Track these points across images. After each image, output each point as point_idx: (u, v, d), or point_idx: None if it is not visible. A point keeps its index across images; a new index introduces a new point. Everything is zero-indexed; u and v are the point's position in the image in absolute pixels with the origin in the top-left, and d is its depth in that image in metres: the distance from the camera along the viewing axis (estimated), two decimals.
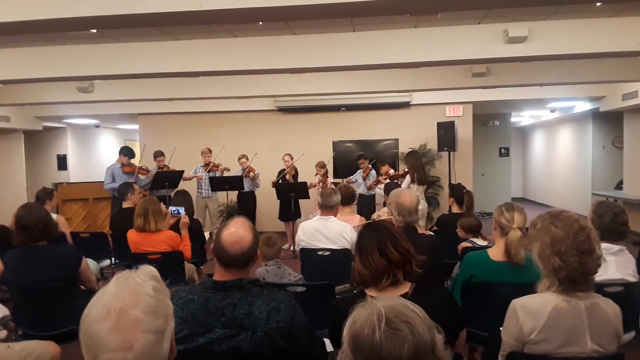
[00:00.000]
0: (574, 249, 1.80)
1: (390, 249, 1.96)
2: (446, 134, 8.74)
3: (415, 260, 2.01)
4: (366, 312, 1.10)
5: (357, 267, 2.00)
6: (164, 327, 1.13)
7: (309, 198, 7.79)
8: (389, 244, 1.98)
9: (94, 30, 5.40)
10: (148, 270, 1.21)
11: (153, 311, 1.11)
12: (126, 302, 1.10)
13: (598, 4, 4.84)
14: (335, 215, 4.18)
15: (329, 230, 3.99)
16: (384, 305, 1.10)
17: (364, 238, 2.04)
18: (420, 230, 3.61)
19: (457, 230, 4.22)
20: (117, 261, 5.38)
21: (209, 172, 8.18)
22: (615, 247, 2.80)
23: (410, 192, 3.28)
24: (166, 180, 7.66)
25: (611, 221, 2.83)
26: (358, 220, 4.61)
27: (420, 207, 6.52)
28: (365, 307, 1.12)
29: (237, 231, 1.98)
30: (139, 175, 7.73)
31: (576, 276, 1.80)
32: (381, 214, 4.42)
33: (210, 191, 8.20)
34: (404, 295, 1.93)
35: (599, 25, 5.20)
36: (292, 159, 8.24)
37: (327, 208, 4.13)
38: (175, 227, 4.49)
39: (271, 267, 3.50)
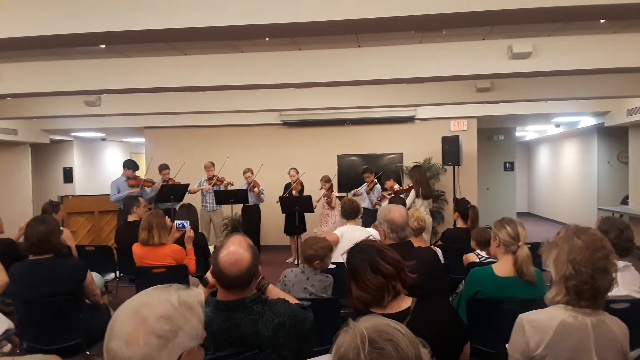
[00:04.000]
0: (589, 262, 1.80)
1: (382, 264, 1.94)
2: (451, 148, 8.75)
3: (407, 266, 2.00)
4: (349, 337, 1.11)
5: (356, 293, 1.95)
6: (170, 336, 1.15)
7: (313, 212, 7.79)
8: (379, 259, 1.95)
9: (103, 46, 5.47)
10: (195, 292, 1.28)
11: (165, 317, 1.16)
12: (147, 302, 1.19)
13: (602, 20, 4.87)
14: None
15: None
16: (366, 326, 1.12)
17: (353, 262, 2.00)
18: (416, 244, 3.60)
19: (471, 241, 4.19)
20: (122, 275, 5.39)
21: (212, 186, 8.20)
22: (621, 264, 2.78)
23: (398, 207, 3.21)
24: (171, 193, 7.68)
25: (616, 237, 2.82)
26: None
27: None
28: (348, 331, 1.13)
29: (235, 250, 1.92)
30: (145, 187, 7.76)
31: (584, 289, 1.80)
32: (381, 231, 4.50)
33: (214, 205, 8.21)
34: (406, 310, 1.92)
35: (603, 42, 5.22)
36: (297, 173, 8.26)
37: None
38: (180, 241, 4.50)
39: (295, 270, 3.40)
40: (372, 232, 4.16)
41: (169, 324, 1.16)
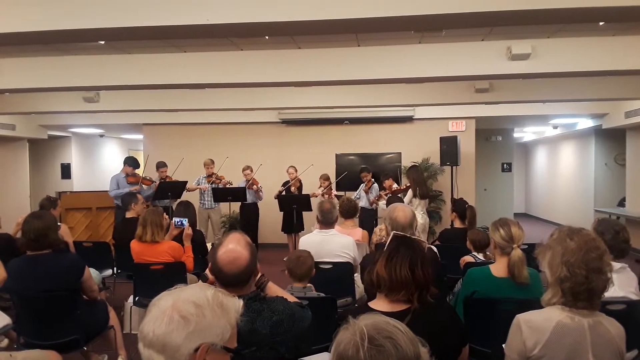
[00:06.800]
0: (583, 263, 1.81)
1: (419, 269, 1.96)
2: (449, 148, 8.76)
3: (432, 292, 2.01)
4: (349, 333, 1.13)
5: (379, 269, 1.98)
6: (193, 320, 1.19)
7: (311, 210, 7.77)
8: (420, 264, 1.98)
9: (102, 42, 5.46)
10: (236, 300, 1.34)
11: (194, 303, 1.21)
12: (186, 289, 1.27)
13: (601, 23, 4.87)
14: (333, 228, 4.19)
15: (330, 244, 3.97)
16: (366, 324, 1.13)
17: (399, 249, 2.03)
18: None
19: (467, 242, 4.20)
20: (119, 271, 5.38)
21: (211, 183, 8.19)
22: (617, 265, 2.79)
23: (404, 207, 3.22)
24: (169, 190, 7.67)
25: (612, 239, 2.83)
26: (360, 233, 4.61)
27: (421, 221, 6.58)
28: (348, 328, 1.15)
29: (234, 248, 1.93)
30: (143, 185, 7.75)
31: (580, 291, 1.81)
32: (383, 227, 4.42)
33: (212, 202, 8.20)
34: (407, 310, 1.93)
35: (602, 44, 5.23)
36: (296, 171, 8.25)
37: (327, 224, 4.12)
38: (178, 238, 4.50)
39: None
40: (350, 241, 4.09)
41: (195, 309, 1.20)
